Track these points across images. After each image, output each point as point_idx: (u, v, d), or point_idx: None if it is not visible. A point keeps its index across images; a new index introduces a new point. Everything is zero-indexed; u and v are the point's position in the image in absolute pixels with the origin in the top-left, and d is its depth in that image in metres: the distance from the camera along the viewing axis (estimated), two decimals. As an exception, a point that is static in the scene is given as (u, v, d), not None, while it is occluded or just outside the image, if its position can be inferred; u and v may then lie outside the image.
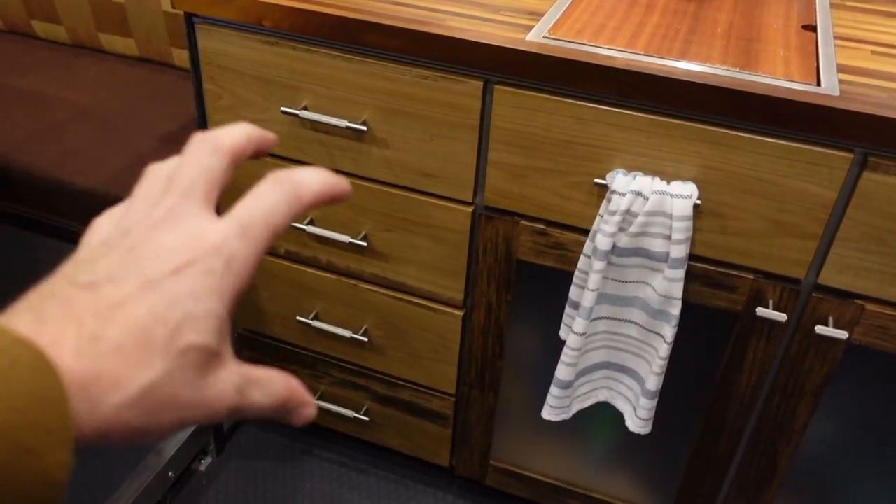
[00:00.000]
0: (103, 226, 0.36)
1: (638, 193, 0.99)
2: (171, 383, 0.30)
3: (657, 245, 1.02)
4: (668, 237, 1.01)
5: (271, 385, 0.34)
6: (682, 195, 0.98)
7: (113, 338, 0.29)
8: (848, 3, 1.19)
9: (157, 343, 0.30)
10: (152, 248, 0.31)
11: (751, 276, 1.05)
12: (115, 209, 0.36)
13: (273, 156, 1.23)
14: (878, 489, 1.19)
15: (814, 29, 1.10)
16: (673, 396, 1.22)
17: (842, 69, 0.98)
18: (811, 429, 1.17)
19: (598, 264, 1.03)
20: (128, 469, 1.38)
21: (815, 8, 1.17)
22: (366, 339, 1.34)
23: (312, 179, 0.35)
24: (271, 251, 1.34)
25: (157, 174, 0.36)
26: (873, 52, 1.03)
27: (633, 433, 1.24)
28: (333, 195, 0.36)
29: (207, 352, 0.31)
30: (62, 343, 0.28)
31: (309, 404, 0.36)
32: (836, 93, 0.92)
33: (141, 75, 1.58)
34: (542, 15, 1.09)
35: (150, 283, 0.30)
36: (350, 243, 1.24)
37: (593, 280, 1.04)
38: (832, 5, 1.18)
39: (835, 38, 1.07)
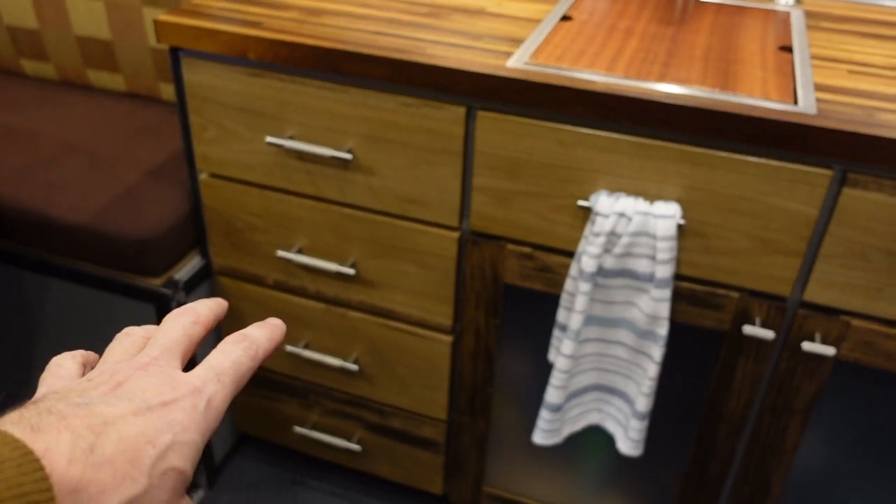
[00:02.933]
0: (64, 369, 0.40)
1: (621, 215, 1.00)
2: (150, 500, 0.32)
3: (642, 265, 1.02)
4: (653, 257, 1.01)
5: None
6: (665, 215, 0.99)
7: (106, 451, 0.31)
8: (823, 25, 1.21)
9: (145, 462, 0.32)
10: (141, 384, 0.35)
11: (737, 295, 1.05)
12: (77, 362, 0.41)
13: (261, 186, 1.24)
14: (872, 506, 1.19)
15: (790, 50, 1.12)
16: (665, 417, 1.21)
17: (819, 88, 0.99)
18: (803, 448, 1.16)
19: (585, 286, 1.04)
20: None
21: (791, 30, 1.19)
22: (356, 368, 1.34)
23: (264, 337, 0.41)
24: (259, 281, 1.34)
25: (133, 334, 0.41)
26: (849, 71, 1.05)
27: (625, 456, 1.23)
28: (278, 343, 0.42)
29: (184, 477, 0.34)
30: (57, 450, 0.30)
31: None
32: (814, 111, 0.93)
33: (129, 110, 1.59)
34: (523, 41, 1.10)
35: (142, 409, 0.34)
36: (338, 272, 1.24)
37: (580, 302, 1.05)
38: (808, 27, 1.20)
39: (811, 58, 1.09)
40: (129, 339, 0.40)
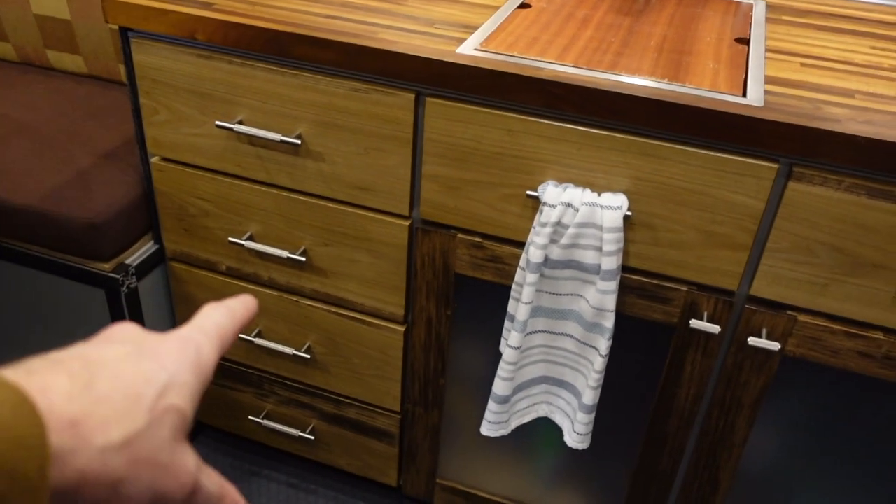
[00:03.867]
0: None
1: (568, 205, 0.99)
2: (152, 438, 0.32)
3: (589, 257, 1.01)
4: (600, 249, 1.00)
5: (214, 475, 0.37)
6: (612, 206, 0.98)
7: (104, 388, 0.31)
8: (784, 18, 1.20)
9: (144, 399, 0.32)
10: (129, 334, 0.36)
11: (685, 289, 1.05)
12: None
13: (211, 171, 1.22)
14: (819, 502, 1.18)
15: (747, 42, 1.11)
16: (617, 411, 1.21)
17: (769, 81, 0.98)
18: (752, 443, 1.16)
19: (531, 277, 1.03)
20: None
21: (751, 22, 1.18)
22: (308, 357, 1.32)
23: (239, 304, 0.42)
24: (212, 268, 1.32)
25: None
26: (802, 65, 1.04)
27: (573, 449, 1.23)
28: (252, 315, 0.43)
29: (183, 416, 0.34)
30: (54, 388, 0.30)
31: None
32: (761, 103, 0.92)
33: (87, 92, 1.57)
34: (477, 28, 1.09)
35: (134, 353, 0.34)
36: (289, 258, 1.22)
37: (526, 293, 1.04)
38: (768, 20, 1.19)
39: (766, 50, 1.08)
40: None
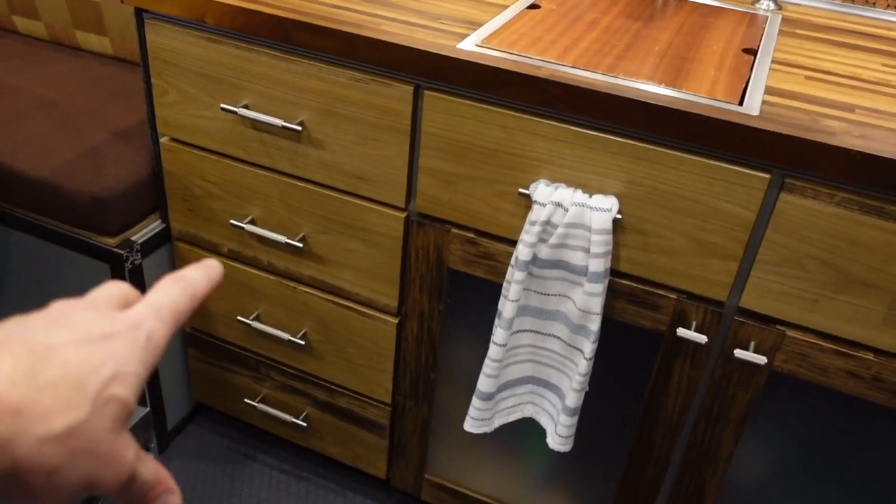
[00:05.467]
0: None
1: (558, 205, 0.99)
2: (93, 428, 0.31)
3: (577, 258, 1.01)
4: (588, 250, 1.00)
5: (152, 463, 0.36)
6: (601, 208, 0.97)
7: (48, 376, 0.31)
8: (798, 31, 1.19)
9: (89, 389, 0.32)
10: (81, 317, 0.35)
11: (674, 296, 1.04)
12: None
13: (215, 153, 1.24)
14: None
15: (754, 53, 1.10)
16: (605, 418, 1.20)
17: (770, 91, 0.97)
18: (738, 458, 1.14)
19: (519, 274, 1.02)
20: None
21: (763, 34, 1.17)
22: (303, 343, 1.33)
23: (201, 277, 0.41)
24: (215, 249, 1.34)
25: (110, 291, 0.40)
26: (807, 77, 1.02)
27: (567, 452, 1.22)
28: (216, 284, 0.42)
29: (127, 407, 0.33)
30: None
31: (174, 492, 0.38)
32: (756, 112, 0.91)
33: (112, 73, 1.60)
34: (482, 25, 1.09)
35: (83, 339, 0.33)
36: (287, 244, 1.24)
37: (514, 290, 1.03)
38: (781, 32, 1.18)
39: (773, 62, 1.06)
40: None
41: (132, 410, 0.34)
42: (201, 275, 0.41)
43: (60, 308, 0.35)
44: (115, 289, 0.39)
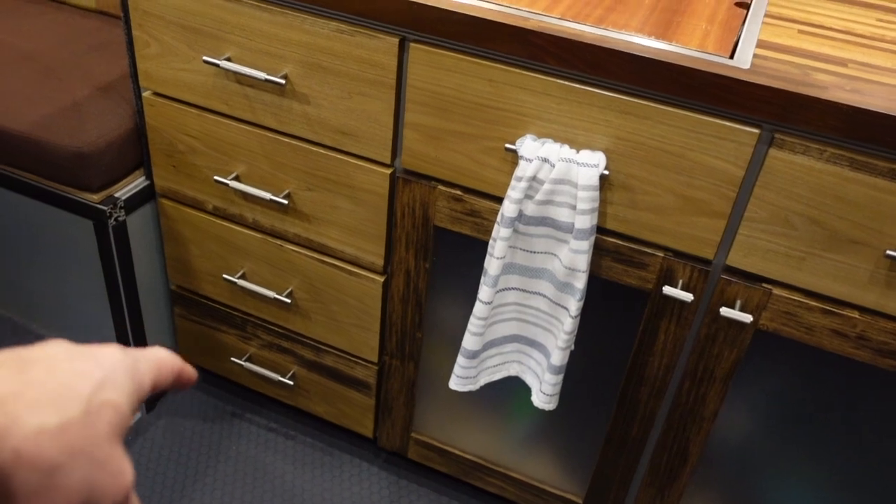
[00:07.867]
0: None
1: (545, 160, 0.97)
2: (89, 429, 0.31)
3: (563, 215, 1.00)
4: (574, 207, 0.98)
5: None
6: (588, 164, 0.96)
7: (37, 376, 0.31)
8: (792, -14, 1.16)
9: (80, 392, 0.32)
10: (67, 345, 0.35)
11: (661, 254, 1.03)
12: None
13: (198, 107, 1.22)
14: (788, 481, 1.17)
15: (747, 6, 1.08)
16: (591, 377, 1.20)
17: (761, 45, 0.95)
18: (722, 417, 1.14)
19: (505, 231, 1.01)
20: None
21: (757, -12, 1.14)
22: (289, 301, 1.33)
23: (186, 371, 0.41)
24: (199, 206, 1.32)
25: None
26: (800, 31, 1.01)
27: (553, 412, 1.22)
28: (181, 384, 0.42)
29: (121, 414, 0.33)
30: None
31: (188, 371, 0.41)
32: (747, 66, 0.89)
33: (94, 26, 1.57)
34: (469, -24, 1.07)
35: (73, 351, 0.34)
36: (272, 200, 1.22)
37: (499, 247, 1.02)
38: (775, -13, 1.15)
39: (766, 15, 1.04)
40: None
41: (127, 420, 0.34)
42: (185, 368, 0.42)
43: (47, 343, 0.35)
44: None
